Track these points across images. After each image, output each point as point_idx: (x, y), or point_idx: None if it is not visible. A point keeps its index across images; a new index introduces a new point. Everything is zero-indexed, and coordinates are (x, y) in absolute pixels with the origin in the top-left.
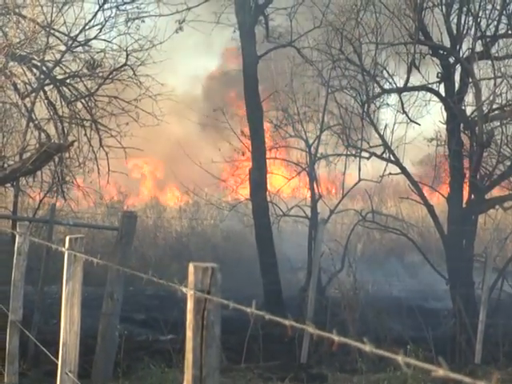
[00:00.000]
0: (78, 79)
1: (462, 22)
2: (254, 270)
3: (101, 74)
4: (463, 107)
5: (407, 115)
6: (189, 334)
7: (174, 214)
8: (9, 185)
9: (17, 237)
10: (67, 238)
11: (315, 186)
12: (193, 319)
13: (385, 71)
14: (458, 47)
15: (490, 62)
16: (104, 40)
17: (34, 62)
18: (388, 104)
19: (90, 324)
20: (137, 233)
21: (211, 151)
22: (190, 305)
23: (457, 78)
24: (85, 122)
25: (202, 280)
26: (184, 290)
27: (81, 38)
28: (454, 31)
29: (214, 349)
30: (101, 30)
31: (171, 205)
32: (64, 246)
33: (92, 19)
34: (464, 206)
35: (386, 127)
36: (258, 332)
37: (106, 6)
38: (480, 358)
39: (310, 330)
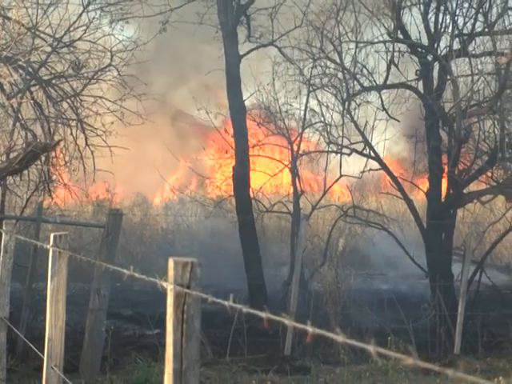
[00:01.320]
0: (64, 80)
1: (440, 20)
2: (238, 265)
3: (86, 75)
4: (441, 104)
5: (387, 112)
6: (169, 327)
7: (160, 211)
8: None
9: (3, 235)
10: (51, 236)
11: (297, 182)
12: (173, 313)
13: (364, 69)
14: (435, 45)
15: (467, 59)
16: (89, 41)
17: (19, 63)
18: (368, 101)
19: (78, 319)
20: (123, 230)
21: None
22: (169, 299)
23: (435, 75)
24: (71, 121)
25: (182, 275)
26: (164, 284)
27: (66, 39)
28: (432, 29)
29: (194, 342)
30: (85, 31)
31: (157, 202)
32: (49, 243)
33: (77, 21)
34: (443, 200)
35: (366, 124)
36: (242, 326)
37: (90, 8)
38: (459, 348)
39: (286, 322)
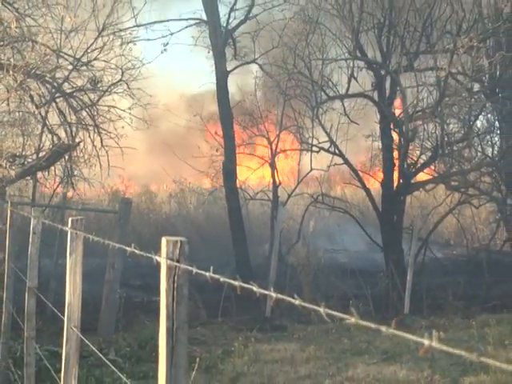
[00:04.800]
0: (83, 92)
1: (391, 41)
2: (228, 243)
3: (101, 88)
4: (393, 110)
5: (348, 117)
6: (163, 294)
7: (164, 199)
8: (28, 178)
9: (32, 219)
10: (70, 220)
11: (276, 175)
12: (166, 282)
13: (330, 82)
14: (387, 62)
15: (413, 73)
16: (103, 60)
17: (46, 78)
18: (333, 108)
19: (97, 289)
20: (133, 215)
21: (193, 148)
22: (163, 271)
23: (387, 86)
24: (89, 126)
25: (173, 251)
26: (158, 259)
27: (84, 59)
28: (385, 49)
29: (183, 306)
30: (100, 52)
31: (161, 193)
32: (67, 226)
33: (93, 43)
34: (394, 188)
35: (331, 127)
36: (231, 293)
37: (104, 33)
38: (408, 309)
39: (254, 289)
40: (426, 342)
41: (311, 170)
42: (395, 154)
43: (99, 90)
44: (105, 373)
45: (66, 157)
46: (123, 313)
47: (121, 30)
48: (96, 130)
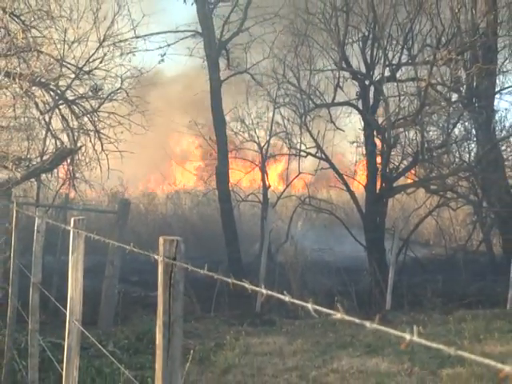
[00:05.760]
0: (85, 99)
1: (374, 53)
2: (221, 243)
3: (102, 95)
4: (376, 118)
5: (334, 124)
6: (160, 290)
7: (161, 200)
8: (33, 180)
9: (36, 219)
10: (72, 219)
11: (266, 178)
12: (163, 279)
13: (317, 91)
14: (371, 72)
15: (395, 83)
16: (104, 69)
17: (50, 86)
18: (320, 116)
19: (97, 284)
20: (132, 215)
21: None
22: (160, 268)
23: (371, 95)
24: (90, 131)
25: (170, 249)
26: (156, 257)
27: (86, 68)
28: (369, 60)
29: (179, 301)
30: (101, 61)
31: (159, 194)
32: (70, 225)
33: (94, 53)
34: (377, 192)
35: (318, 133)
36: (223, 289)
37: (105, 44)
38: (390, 305)
39: (246, 285)
40: (407, 336)
41: (299, 173)
42: (378, 159)
43: (100, 98)
44: (104, 363)
45: (69, 160)
46: (122, 307)
47: (121, 41)
48: (97, 135)
